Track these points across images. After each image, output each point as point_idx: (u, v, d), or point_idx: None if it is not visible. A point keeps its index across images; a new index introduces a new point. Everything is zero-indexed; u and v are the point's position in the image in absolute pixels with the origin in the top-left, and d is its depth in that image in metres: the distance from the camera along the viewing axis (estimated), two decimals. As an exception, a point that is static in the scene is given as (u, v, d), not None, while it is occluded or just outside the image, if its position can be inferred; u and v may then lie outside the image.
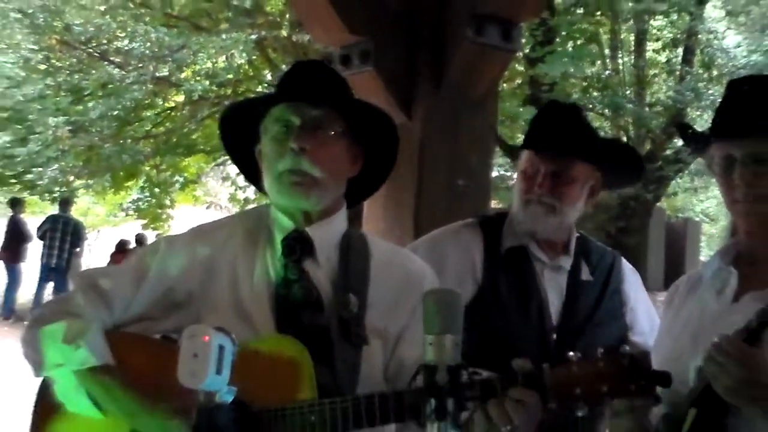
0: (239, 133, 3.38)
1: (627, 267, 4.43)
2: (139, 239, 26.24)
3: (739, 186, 3.23)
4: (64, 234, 24.23)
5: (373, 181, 3.48)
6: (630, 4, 23.32)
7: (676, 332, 3.47)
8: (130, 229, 27.16)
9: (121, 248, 25.67)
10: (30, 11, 22.22)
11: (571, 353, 2.73)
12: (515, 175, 4.35)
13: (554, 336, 4.15)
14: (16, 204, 25.77)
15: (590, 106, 23.79)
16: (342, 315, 3.14)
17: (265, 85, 23.70)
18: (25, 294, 24.81)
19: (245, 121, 3.33)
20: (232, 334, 2.61)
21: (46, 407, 3.29)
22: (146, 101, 23.87)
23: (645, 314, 4.38)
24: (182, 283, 3.27)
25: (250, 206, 24.21)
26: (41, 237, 24.40)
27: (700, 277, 3.55)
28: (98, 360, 3.08)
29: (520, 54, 20.44)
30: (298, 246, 3.22)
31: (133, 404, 3.05)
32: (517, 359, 2.78)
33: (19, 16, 22.45)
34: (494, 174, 4.97)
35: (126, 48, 22.61)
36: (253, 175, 3.43)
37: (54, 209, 25.39)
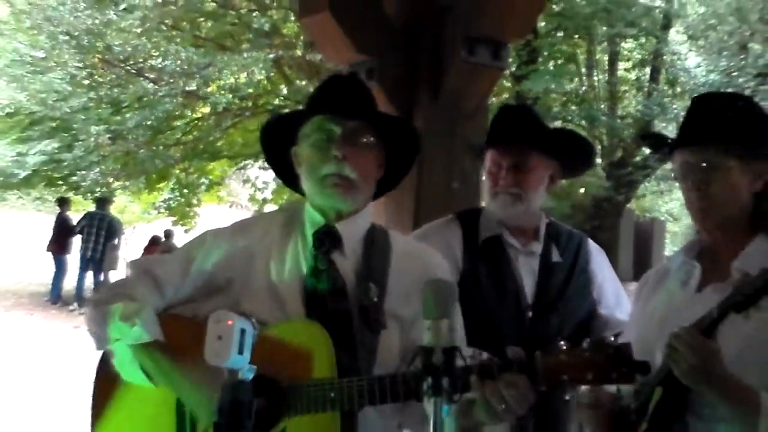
0: (277, 137, 3.40)
1: (593, 247, 4.51)
2: (167, 234, 26.54)
3: (692, 190, 3.27)
4: (99, 229, 24.56)
5: (391, 180, 3.49)
6: (604, 29, 23.45)
7: (646, 319, 3.47)
8: (162, 225, 27.28)
9: (154, 242, 26.15)
10: (76, 33, 22.40)
11: (562, 342, 2.77)
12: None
13: (530, 314, 4.23)
14: (63, 203, 26.11)
15: (569, 118, 23.86)
16: (363, 302, 3.17)
17: (282, 98, 23.82)
18: (70, 281, 25.03)
19: (283, 126, 3.37)
20: (253, 319, 2.65)
21: (106, 378, 3.34)
22: (176, 112, 24.00)
23: (611, 290, 4.44)
24: (223, 270, 3.31)
25: (268, 206, 25.30)
26: (79, 232, 24.81)
27: (666, 270, 3.57)
28: (150, 336, 3.12)
29: (508, 72, 20.48)
30: (327, 239, 3.25)
31: (178, 377, 3.09)
32: (511, 348, 2.82)
33: (66, 38, 22.58)
34: (483, 177, 4.98)
35: (159, 66, 22.73)
36: (284, 172, 3.46)
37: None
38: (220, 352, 2.53)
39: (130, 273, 3.45)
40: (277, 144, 3.43)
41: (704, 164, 3.26)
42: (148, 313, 3.17)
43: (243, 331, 2.56)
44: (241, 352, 2.54)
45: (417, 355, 2.57)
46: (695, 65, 26.68)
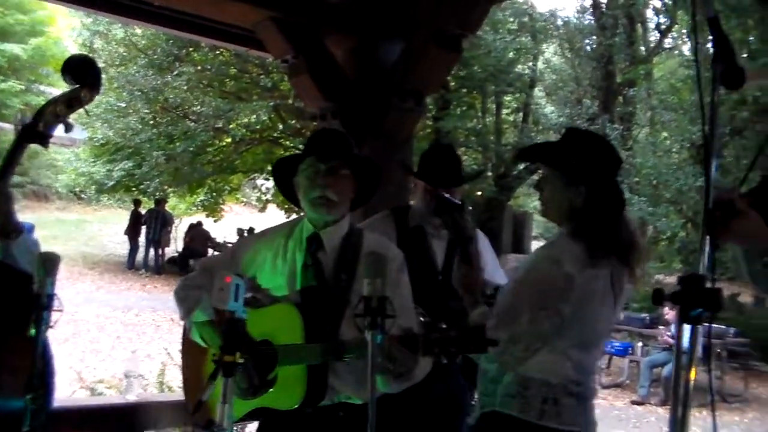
0: (284, 170, 3.40)
1: (481, 234, 4.44)
2: (198, 224, 27.08)
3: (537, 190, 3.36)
4: (158, 220, 25.46)
5: (363, 198, 3.47)
6: (492, 87, 23.62)
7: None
8: (199, 218, 27.49)
9: (192, 228, 26.90)
10: (146, 90, 22.58)
11: (444, 325, 2.96)
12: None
13: (440, 277, 4.26)
14: (135, 203, 26.66)
15: (470, 146, 24.00)
16: (335, 287, 3.18)
17: (279, 132, 24.03)
18: (140, 255, 25.72)
19: (289, 164, 3.39)
20: (245, 277, 2.69)
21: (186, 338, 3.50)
22: (209, 142, 24.01)
23: (491, 263, 4.45)
24: (251, 264, 3.35)
25: (269, 205, 25.91)
26: (144, 222, 25.62)
27: None
28: (206, 317, 3.21)
29: (430, 114, 20.61)
30: (314, 242, 3.26)
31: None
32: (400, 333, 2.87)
33: (139, 93, 22.81)
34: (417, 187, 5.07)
35: (198, 111, 22.78)
36: (289, 193, 3.44)
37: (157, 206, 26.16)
38: (222, 299, 2.53)
39: (196, 269, 3.50)
40: (284, 174, 3.41)
41: (542, 176, 3.33)
42: (206, 301, 3.16)
43: (237, 285, 2.54)
44: (236, 299, 2.53)
45: (360, 302, 2.55)
46: (550, 112, 27.24)
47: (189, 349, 3.50)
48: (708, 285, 1.99)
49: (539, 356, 3.01)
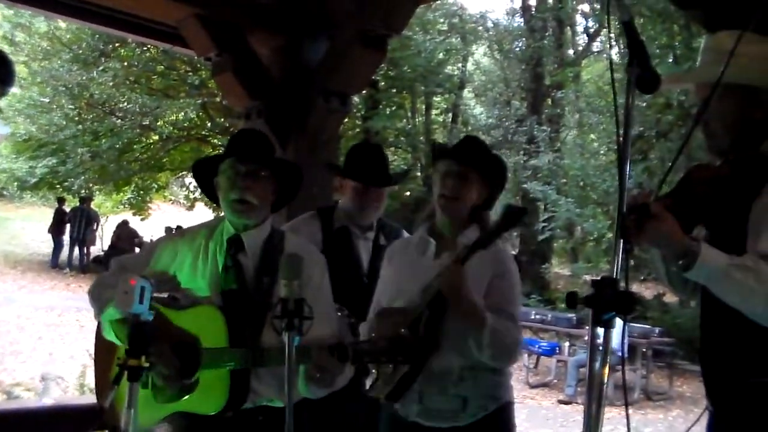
0: (205, 170, 3.35)
1: (406, 234, 4.43)
2: (125, 223, 26.54)
3: (443, 188, 3.38)
4: (82, 218, 24.85)
5: (285, 199, 3.43)
6: (422, 88, 23.79)
7: (397, 277, 3.52)
8: (126, 216, 27.06)
9: (119, 227, 26.19)
10: (70, 86, 22.26)
11: (374, 335, 3.00)
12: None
13: (365, 279, 4.19)
14: (60, 200, 26.07)
15: (400, 146, 24.13)
16: (257, 291, 3.14)
17: (207, 130, 23.99)
18: (64, 254, 25.07)
19: (209, 163, 3.35)
20: (151, 280, 2.58)
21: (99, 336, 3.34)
22: (136, 139, 23.79)
23: None
24: (170, 264, 3.26)
25: (197, 203, 25.58)
26: (68, 221, 25.02)
27: (407, 243, 3.68)
28: (120, 315, 3.01)
29: (359, 114, 20.63)
30: (234, 245, 3.21)
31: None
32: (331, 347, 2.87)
33: (64, 88, 22.45)
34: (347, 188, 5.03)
35: (125, 107, 22.53)
36: (210, 193, 3.40)
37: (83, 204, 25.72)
38: (126, 302, 2.49)
39: (111, 267, 3.37)
40: (204, 174, 3.36)
41: (452, 172, 3.37)
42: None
43: (143, 288, 2.49)
44: (141, 302, 2.48)
45: (278, 304, 2.52)
46: (479, 113, 27.54)
47: (101, 350, 3.40)
48: (621, 288, 2.01)
49: None
